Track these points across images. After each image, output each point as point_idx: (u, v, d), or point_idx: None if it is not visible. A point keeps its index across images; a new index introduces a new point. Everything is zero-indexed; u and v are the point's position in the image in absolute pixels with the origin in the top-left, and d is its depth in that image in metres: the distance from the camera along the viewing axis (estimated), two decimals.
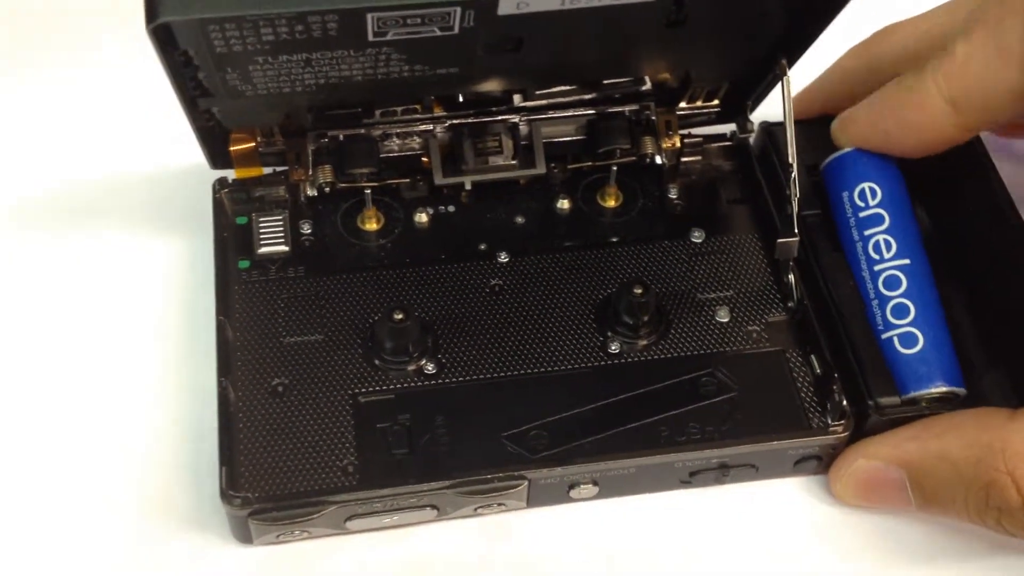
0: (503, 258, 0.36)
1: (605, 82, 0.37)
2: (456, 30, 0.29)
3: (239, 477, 0.30)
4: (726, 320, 0.35)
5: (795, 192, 0.34)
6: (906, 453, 0.30)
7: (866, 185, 0.35)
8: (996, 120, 0.32)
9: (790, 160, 0.34)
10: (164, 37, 0.28)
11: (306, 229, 0.36)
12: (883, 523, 0.32)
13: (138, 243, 0.38)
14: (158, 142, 0.39)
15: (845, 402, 0.32)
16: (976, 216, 0.35)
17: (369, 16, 0.28)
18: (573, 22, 0.30)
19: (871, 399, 0.32)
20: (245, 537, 0.31)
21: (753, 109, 0.37)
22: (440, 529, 0.32)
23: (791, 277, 0.35)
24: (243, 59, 0.29)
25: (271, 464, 0.31)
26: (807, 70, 0.36)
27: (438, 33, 0.29)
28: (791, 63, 0.34)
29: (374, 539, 0.32)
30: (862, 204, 0.35)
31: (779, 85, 0.35)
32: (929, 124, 0.32)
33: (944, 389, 0.32)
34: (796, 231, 0.34)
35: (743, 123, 0.37)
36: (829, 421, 0.32)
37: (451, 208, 0.37)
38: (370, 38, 0.29)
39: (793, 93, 0.34)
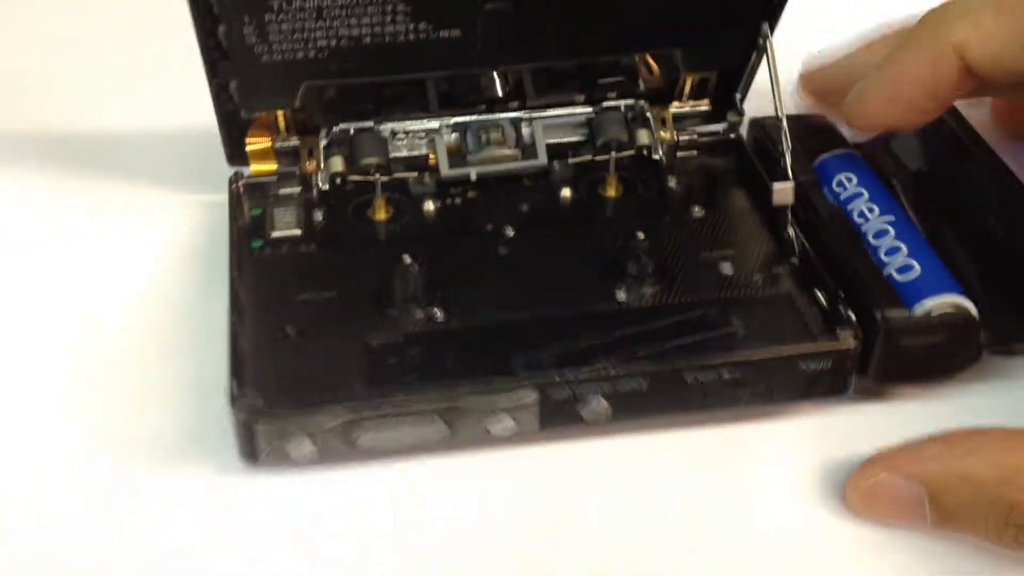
0: (509, 232, 0.37)
1: (601, 81, 0.39)
2: None
3: (248, 385, 0.30)
4: (730, 272, 0.35)
5: (787, 145, 0.35)
6: (928, 471, 0.30)
7: (842, 175, 0.37)
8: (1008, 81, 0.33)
9: (779, 115, 0.36)
10: None
11: (318, 217, 0.37)
12: None
13: (154, 214, 0.39)
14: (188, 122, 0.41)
15: (852, 315, 0.32)
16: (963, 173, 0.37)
17: None
18: None
19: (879, 311, 0.32)
20: (251, 453, 0.30)
21: (744, 98, 0.39)
22: (453, 460, 0.31)
23: (791, 230, 0.35)
24: (261, 4, 0.32)
25: (280, 380, 0.31)
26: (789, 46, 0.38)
27: None
28: (772, 29, 0.36)
29: (384, 470, 0.31)
30: (841, 189, 0.37)
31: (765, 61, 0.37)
32: (948, 85, 0.33)
33: (949, 299, 0.32)
34: (790, 177, 0.35)
35: (735, 114, 0.39)
36: (837, 330, 0.32)
37: (458, 200, 0.39)
38: None
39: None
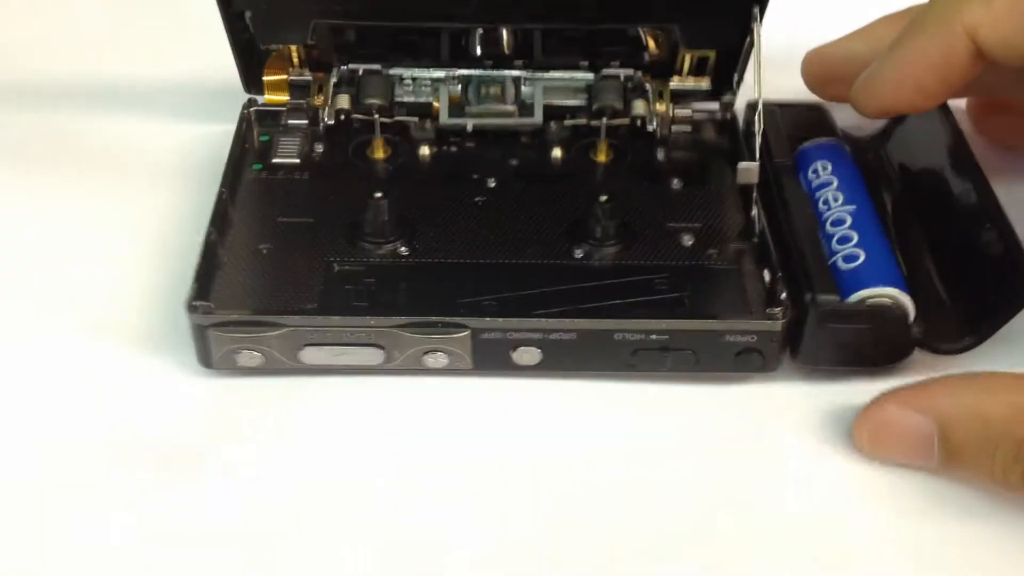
0: (491, 183, 0.39)
1: (605, 49, 0.41)
2: None
3: (211, 295, 0.33)
4: (689, 244, 0.36)
5: (759, 126, 0.36)
6: (939, 405, 0.30)
7: (818, 163, 0.38)
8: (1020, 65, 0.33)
9: (756, 96, 0.37)
10: None
11: (319, 149, 0.40)
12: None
13: (169, 139, 0.42)
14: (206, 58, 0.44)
15: (784, 295, 0.33)
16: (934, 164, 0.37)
17: None
18: None
19: (811, 294, 0.33)
20: (206, 358, 0.33)
21: (740, 79, 0.40)
22: (387, 381, 0.33)
23: (754, 210, 0.36)
24: None
25: (241, 293, 0.34)
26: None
27: None
28: (762, 13, 0.37)
29: (325, 384, 0.33)
30: (814, 176, 0.38)
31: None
32: (958, 68, 0.33)
33: (884, 291, 0.33)
34: (757, 158, 0.36)
35: (730, 93, 0.40)
36: (767, 310, 0.33)
37: (453, 148, 0.41)
38: None
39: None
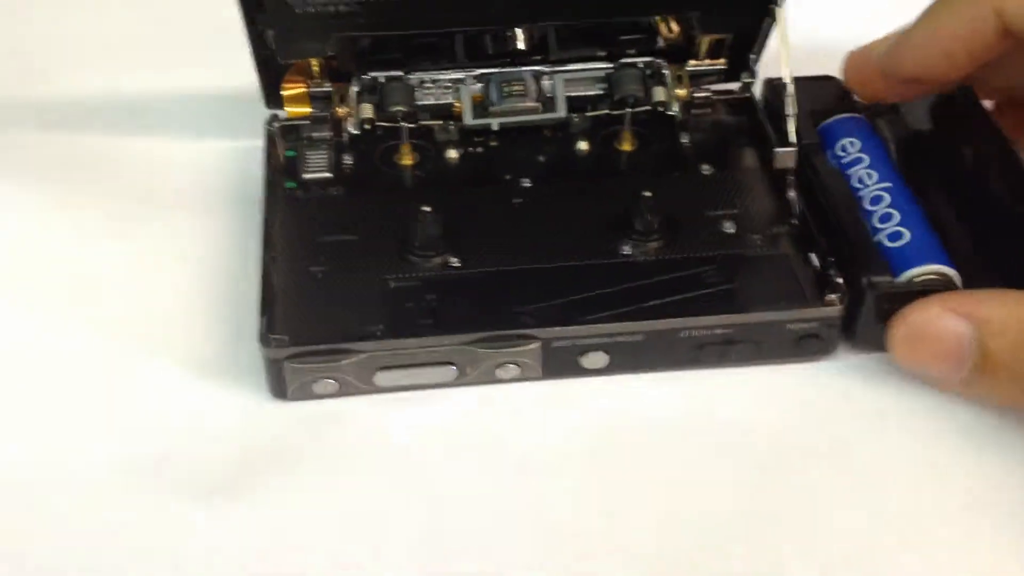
0: (526, 183, 0.39)
1: (621, 38, 0.41)
2: None
3: (277, 325, 0.33)
4: (732, 231, 0.37)
5: (792, 110, 0.37)
6: (983, 311, 0.30)
7: (846, 140, 0.39)
8: None
9: (786, 81, 0.37)
10: None
11: (347, 161, 0.40)
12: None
13: (194, 157, 0.42)
14: (226, 73, 0.43)
15: (840, 280, 0.34)
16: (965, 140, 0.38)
17: None
18: None
19: (865, 277, 0.34)
20: (280, 389, 0.33)
21: (757, 59, 0.41)
22: (461, 394, 0.34)
23: (791, 193, 0.37)
24: None
25: (307, 320, 0.34)
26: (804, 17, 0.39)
27: None
28: None
29: (399, 400, 0.34)
30: (843, 154, 0.39)
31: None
32: (986, 43, 0.34)
33: (933, 268, 0.34)
34: (793, 142, 0.37)
35: (748, 75, 0.41)
36: (826, 295, 0.34)
37: (479, 149, 0.41)
38: None
39: None
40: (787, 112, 0.37)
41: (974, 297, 0.31)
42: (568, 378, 0.34)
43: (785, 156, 0.37)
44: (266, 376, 0.33)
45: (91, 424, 0.33)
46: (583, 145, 0.41)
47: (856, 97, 0.41)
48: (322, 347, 0.32)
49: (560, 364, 0.34)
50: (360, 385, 0.33)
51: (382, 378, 0.33)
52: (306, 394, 0.33)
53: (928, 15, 0.35)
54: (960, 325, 0.30)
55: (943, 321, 0.31)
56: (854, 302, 0.34)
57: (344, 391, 0.33)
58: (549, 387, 0.34)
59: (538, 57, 0.41)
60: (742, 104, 0.42)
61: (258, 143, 0.40)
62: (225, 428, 0.33)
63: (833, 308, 0.34)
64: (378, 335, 0.33)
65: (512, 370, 0.33)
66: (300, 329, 0.33)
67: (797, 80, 0.40)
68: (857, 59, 0.40)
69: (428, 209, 0.36)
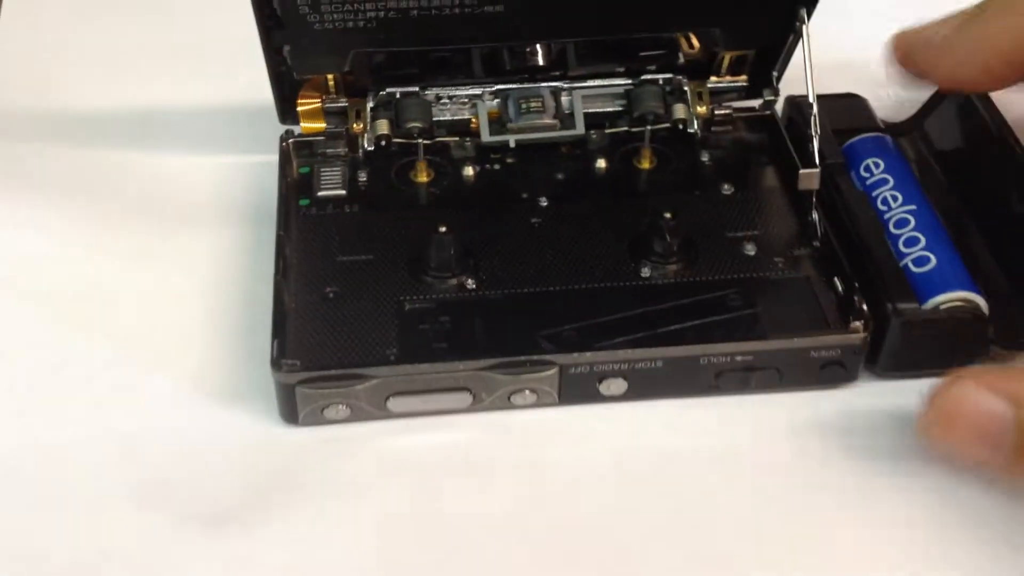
0: (543, 202, 0.38)
1: (641, 54, 0.40)
2: None
3: (289, 349, 0.32)
4: (753, 253, 0.36)
5: (816, 130, 0.36)
6: (1021, 391, 0.28)
7: (870, 160, 0.38)
8: None
9: (810, 100, 0.36)
10: None
11: (362, 178, 0.39)
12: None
13: (209, 175, 0.41)
14: (240, 87, 0.43)
15: (865, 306, 0.33)
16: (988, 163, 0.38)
17: None
18: None
19: (891, 304, 0.33)
20: (291, 414, 0.32)
21: (780, 77, 0.40)
22: (475, 420, 0.33)
23: (814, 214, 0.37)
24: None
25: (319, 344, 0.33)
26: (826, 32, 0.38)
27: None
28: (809, 14, 0.37)
29: (412, 425, 0.33)
30: (867, 175, 0.38)
31: (800, 42, 0.37)
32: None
33: (960, 295, 0.33)
34: (817, 163, 0.36)
35: (770, 92, 0.40)
36: (851, 322, 0.33)
37: (496, 167, 0.40)
38: None
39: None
40: (811, 132, 0.36)
41: (1008, 374, 0.28)
42: (585, 404, 0.33)
43: (809, 177, 0.36)
44: (277, 400, 0.32)
45: (97, 445, 0.33)
46: (601, 163, 0.40)
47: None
48: (334, 372, 0.32)
49: (577, 390, 0.33)
50: (373, 411, 0.33)
51: (395, 404, 0.32)
52: (318, 419, 0.33)
53: (968, 25, 0.34)
54: (999, 406, 0.27)
55: (981, 401, 0.28)
56: (879, 329, 0.33)
57: (356, 416, 0.33)
58: (565, 413, 0.34)
59: (556, 73, 0.40)
60: (764, 122, 0.41)
61: (273, 158, 0.40)
62: (234, 453, 0.33)
63: (857, 336, 0.33)
64: (392, 359, 0.33)
65: (528, 397, 0.33)
66: (312, 353, 0.33)
67: (820, 98, 0.39)
68: (904, 39, 0.37)
69: (444, 229, 0.35)
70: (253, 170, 0.42)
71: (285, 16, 0.35)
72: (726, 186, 0.39)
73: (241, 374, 0.34)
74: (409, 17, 0.36)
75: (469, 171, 0.40)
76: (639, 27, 0.38)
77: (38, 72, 0.46)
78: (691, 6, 0.37)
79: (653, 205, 0.37)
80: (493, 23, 0.36)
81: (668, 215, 0.36)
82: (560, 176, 0.40)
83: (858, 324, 0.33)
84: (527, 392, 0.33)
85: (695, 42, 0.41)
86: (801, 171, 0.36)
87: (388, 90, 0.39)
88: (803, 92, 0.39)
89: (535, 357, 0.32)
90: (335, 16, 0.35)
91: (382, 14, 0.35)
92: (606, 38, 0.39)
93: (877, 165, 0.38)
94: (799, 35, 0.38)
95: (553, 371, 0.32)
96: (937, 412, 0.29)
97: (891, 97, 0.41)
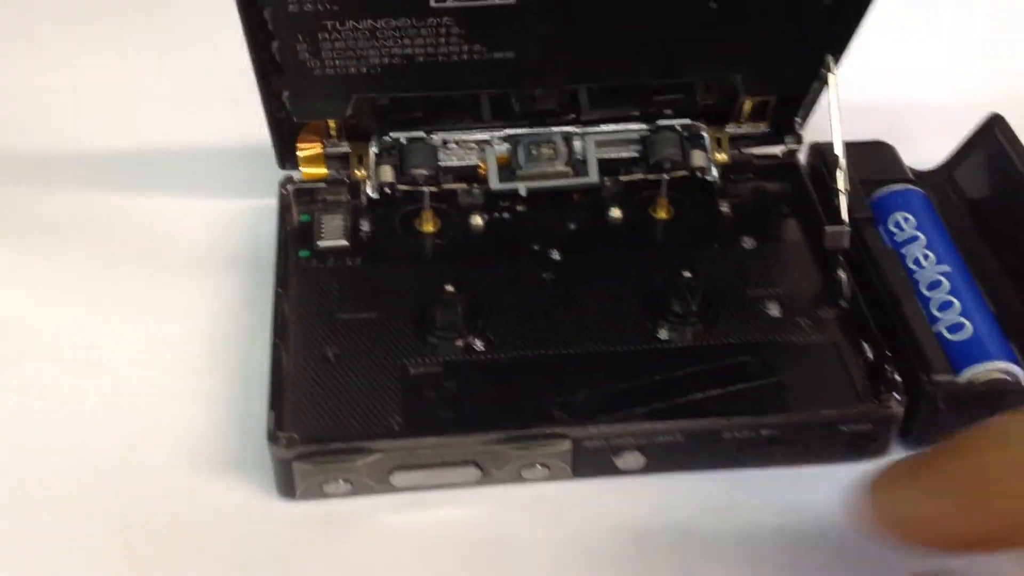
0: (555, 255, 0.36)
1: (657, 98, 0.39)
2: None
3: (287, 421, 0.30)
4: (776, 314, 0.35)
5: (844, 185, 0.34)
6: None
7: (900, 215, 0.37)
8: None
9: (836, 153, 0.35)
10: None
11: (365, 227, 0.37)
12: None
13: (205, 220, 0.39)
14: (237, 128, 0.41)
15: (898, 376, 0.31)
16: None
17: None
18: (625, 2, 0.32)
19: (926, 375, 0.31)
20: (288, 488, 0.31)
21: (803, 124, 0.38)
22: (484, 494, 0.31)
23: (841, 273, 0.35)
24: (313, 23, 0.31)
25: (319, 414, 0.31)
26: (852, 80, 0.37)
27: (497, 1, 0.31)
28: (836, 62, 0.35)
29: (417, 500, 0.31)
30: (897, 230, 0.36)
31: (825, 88, 0.36)
32: None
33: (998, 365, 0.31)
34: (846, 220, 0.34)
35: (793, 139, 0.38)
36: (882, 393, 0.31)
37: (506, 215, 0.38)
38: (432, 2, 0.31)
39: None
40: (839, 187, 0.34)
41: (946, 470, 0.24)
42: (601, 478, 0.31)
43: (836, 235, 0.34)
44: (274, 473, 0.30)
45: (83, 515, 0.31)
46: (616, 212, 0.38)
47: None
48: (334, 446, 0.30)
49: (592, 464, 0.31)
50: (375, 485, 0.31)
51: (399, 478, 0.31)
52: (316, 493, 0.31)
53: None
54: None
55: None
56: (912, 400, 0.31)
57: (358, 490, 0.31)
58: (579, 487, 0.32)
59: (569, 117, 0.39)
60: (786, 170, 0.39)
61: (271, 201, 0.38)
62: (227, 527, 0.31)
63: (890, 409, 0.31)
64: (396, 429, 0.31)
65: (540, 471, 0.31)
66: (311, 424, 0.31)
67: (845, 145, 0.37)
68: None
69: (451, 289, 0.33)
70: (251, 214, 0.40)
71: (284, 62, 0.33)
72: (747, 239, 0.37)
73: (236, 441, 0.32)
74: (415, 63, 0.34)
75: (477, 220, 0.38)
76: (657, 74, 0.36)
77: (25, 112, 0.44)
78: (711, 52, 0.35)
79: (671, 261, 0.35)
80: (504, 70, 0.34)
81: (688, 274, 0.34)
82: (572, 226, 0.38)
83: (891, 397, 0.31)
84: (539, 466, 0.31)
85: (713, 87, 0.39)
86: (827, 228, 0.34)
87: (392, 135, 0.37)
88: (827, 138, 0.37)
89: (547, 430, 0.30)
90: (337, 62, 0.33)
91: (387, 60, 0.33)
92: (626, 84, 0.37)
93: (907, 220, 0.36)
94: (825, 82, 0.35)
95: (566, 444, 0.31)
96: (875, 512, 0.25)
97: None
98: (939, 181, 0.39)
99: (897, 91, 0.43)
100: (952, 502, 0.23)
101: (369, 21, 0.32)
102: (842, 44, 0.34)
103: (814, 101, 0.37)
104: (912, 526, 0.24)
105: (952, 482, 0.23)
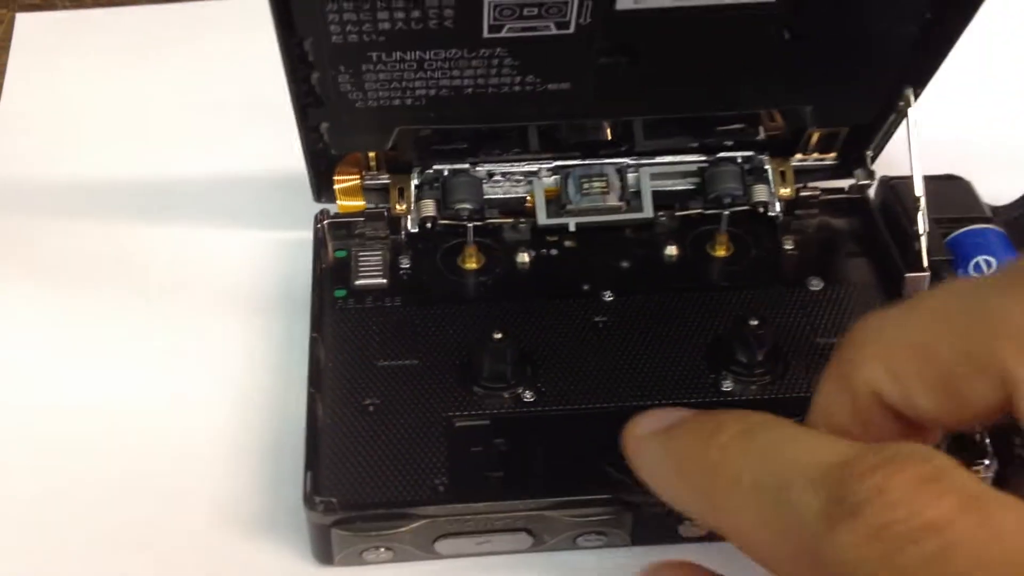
0: (608, 297, 0.34)
1: (718, 128, 0.36)
2: (572, 28, 0.29)
3: (324, 483, 0.28)
4: None
5: (923, 227, 0.32)
6: None
7: (980, 258, 0.34)
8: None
9: (917, 194, 0.32)
10: (284, 19, 0.28)
11: (405, 264, 0.35)
12: None
13: (236, 254, 0.37)
14: (272, 157, 0.39)
15: (987, 440, 0.29)
16: None
17: (486, 4, 0.27)
18: (690, 33, 0.29)
19: (1020, 437, 0.29)
20: (326, 555, 0.28)
21: (875, 158, 0.36)
22: (535, 562, 0.29)
23: None
24: (358, 54, 0.29)
25: (358, 475, 0.29)
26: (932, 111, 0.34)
27: (553, 31, 0.29)
28: (916, 96, 0.33)
29: (463, 568, 0.29)
30: (977, 274, 0.34)
31: (903, 124, 0.33)
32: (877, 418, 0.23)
33: None
34: (926, 267, 0.32)
35: (864, 173, 0.36)
36: (970, 460, 0.29)
37: (553, 252, 0.36)
38: (485, 33, 0.29)
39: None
40: (918, 229, 0.32)
41: None
42: (662, 545, 0.29)
43: (916, 282, 0.32)
44: (310, 538, 0.28)
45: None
46: (671, 250, 0.36)
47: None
48: (375, 512, 0.27)
49: (653, 531, 0.29)
50: (418, 552, 0.28)
51: (444, 546, 0.28)
52: (356, 560, 0.28)
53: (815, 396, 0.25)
54: None
55: None
56: (1003, 465, 0.29)
57: (400, 557, 0.28)
58: (639, 556, 0.29)
59: (622, 148, 0.36)
60: (855, 206, 0.37)
61: (306, 234, 0.35)
62: None
63: (980, 477, 0.28)
64: (441, 491, 0.28)
65: (596, 539, 0.28)
66: (349, 486, 0.29)
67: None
68: None
69: (500, 336, 0.31)
70: (285, 248, 0.38)
71: (324, 94, 0.31)
72: (814, 281, 0.35)
73: (271, 501, 0.30)
74: (463, 95, 0.31)
75: (524, 257, 0.35)
76: (721, 105, 0.34)
77: (45, 138, 0.42)
78: (781, 82, 0.33)
79: (732, 304, 0.32)
80: (558, 101, 0.32)
81: (755, 322, 0.31)
82: (625, 264, 0.35)
83: (979, 466, 0.28)
84: (594, 534, 0.28)
85: (778, 117, 0.36)
86: (907, 276, 0.32)
87: (435, 167, 0.35)
88: (893, 170, 0.35)
89: (604, 496, 0.28)
90: (381, 94, 0.31)
91: (432, 92, 0.31)
92: (681, 116, 0.35)
93: (989, 264, 0.33)
94: (902, 115, 0.33)
95: (625, 510, 0.28)
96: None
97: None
98: (1014, 217, 0.37)
99: (970, 121, 0.40)
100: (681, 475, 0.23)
101: (417, 53, 0.29)
102: (924, 77, 0.32)
103: (889, 135, 0.35)
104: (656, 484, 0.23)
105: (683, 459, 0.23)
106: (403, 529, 0.28)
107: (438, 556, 0.29)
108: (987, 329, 0.19)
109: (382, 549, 0.28)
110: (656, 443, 0.23)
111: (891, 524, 0.17)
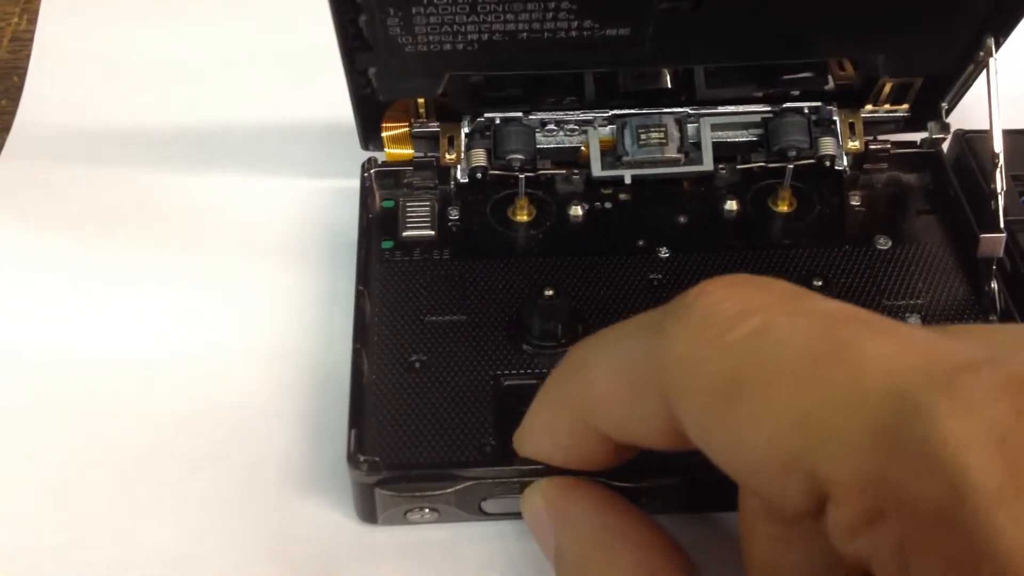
0: (663, 253, 0.33)
1: (784, 77, 0.34)
2: None
3: (369, 441, 0.27)
4: None
5: (1001, 185, 0.30)
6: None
7: None
8: None
9: (995, 149, 0.30)
10: None
11: (454, 215, 0.34)
12: None
13: (279, 202, 0.36)
14: (319, 104, 0.38)
15: None
16: None
17: None
18: None
19: None
20: (369, 514, 0.28)
21: (950, 111, 0.34)
22: None
23: (994, 284, 0.30)
24: None
25: (403, 433, 0.28)
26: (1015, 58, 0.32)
27: None
28: (998, 45, 0.31)
29: (510, 529, 0.28)
30: None
31: (983, 74, 0.31)
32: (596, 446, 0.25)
33: None
34: (1002, 227, 0.30)
35: (938, 127, 0.34)
36: None
37: (607, 204, 0.35)
38: None
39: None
40: (995, 187, 0.30)
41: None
42: (717, 513, 0.28)
43: (991, 243, 0.30)
44: (353, 497, 0.27)
45: (153, 540, 0.28)
46: (732, 204, 0.34)
47: None
48: (420, 472, 0.27)
49: (704, 499, 0.28)
50: (464, 513, 0.27)
51: (491, 505, 0.27)
52: (400, 520, 0.28)
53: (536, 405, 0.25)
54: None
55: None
56: None
57: (445, 518, 0.28)
58: (693, 517, 0.28)
59: (682, 97, 0.35)
60: (927, 161, 0.35)
61: (353, 183, 0.34)
62: (302, 554, 0.28)
63: None
64: (488, 452, 0.28)
65: (652, 504, 0.27)
66: (394, 445, 0.28)
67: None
68: None
69: (551, 293, 0.30)
70: (329, 196, 0.37)
71: (372, 38, 0.30)
72: (881, 239, 0.33)
73: (315, 458, 0.30)
74: (517, 40, 0.30)
75: (577, 210, 0.34)
76: (788, 53, 0.32)
77: (78, 84, 0.41)
78: (852, 29, 0.31)
79: (795, 263, 0.31)
80: (616, 47, 0.30)
81: (819, 283, 0.30)
82: (682, 219, 0.34)
83: None
84: (652, 501, 0.27)
85: (848, 66, 0.34)
86: (982, 236, 0.30)
87: (486, 115, 0.34)
88: (973, 125, 0.33)
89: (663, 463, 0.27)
90: (431, 38, 0.30)
91: (485, 36, 0.30)
92: (753, 64, 0.33)
93: None
94: (982, 65, 0.31)
95: (679, 480, 0.27)
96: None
97: None
98: None
99: None
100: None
101: None
102: (1007, 26, 0.30)
103: (966, 87, 0.33)
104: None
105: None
106: (449, 490, 0.27)
107: (485, 517, 0.28)
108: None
109: (427, 510, 0.27)
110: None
111: (715, 313, 0.19)
